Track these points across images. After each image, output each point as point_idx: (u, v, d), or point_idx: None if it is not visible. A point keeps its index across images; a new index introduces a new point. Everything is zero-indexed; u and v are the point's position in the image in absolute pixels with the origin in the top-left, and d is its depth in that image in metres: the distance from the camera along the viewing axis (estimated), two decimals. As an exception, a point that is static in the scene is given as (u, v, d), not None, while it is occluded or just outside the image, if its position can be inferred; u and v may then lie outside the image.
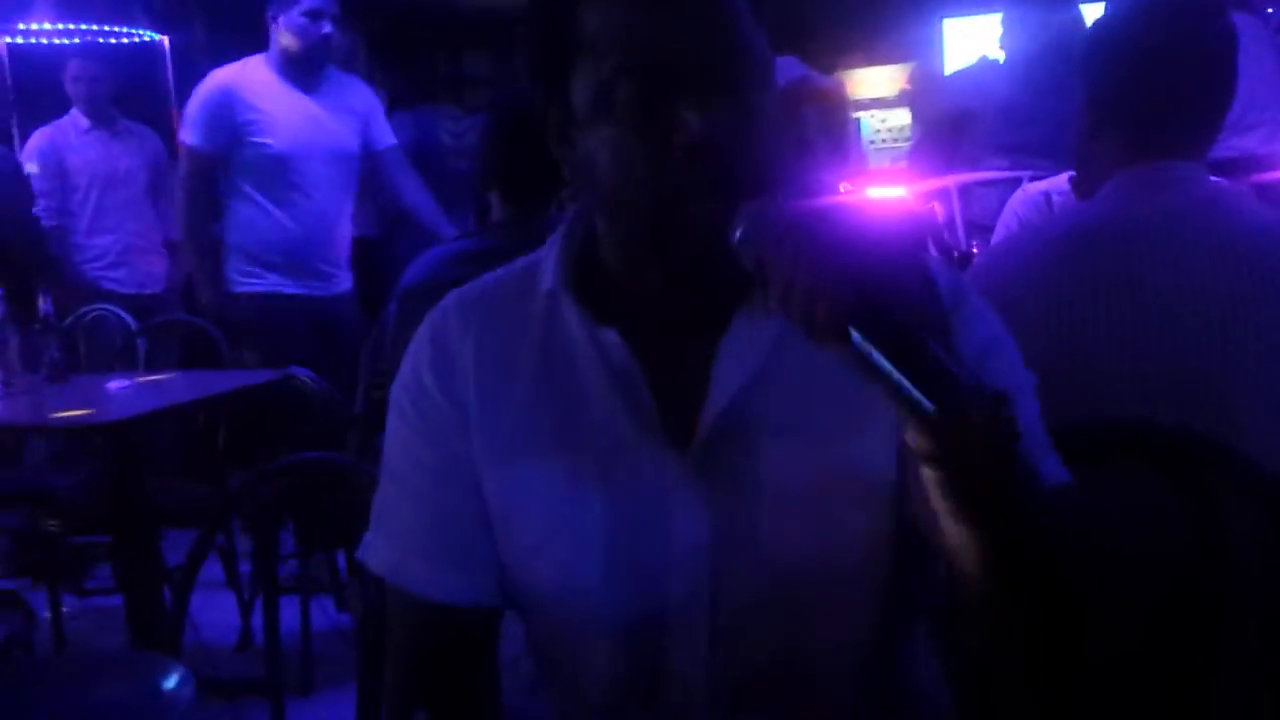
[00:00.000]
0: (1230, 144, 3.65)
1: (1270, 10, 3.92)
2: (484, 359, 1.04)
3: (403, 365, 1.09)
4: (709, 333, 0.99)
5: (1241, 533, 1.35)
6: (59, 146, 4.70)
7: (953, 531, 0.84)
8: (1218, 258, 1.45)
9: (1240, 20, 3.76)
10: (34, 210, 4.39)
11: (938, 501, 0.83)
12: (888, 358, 0.76)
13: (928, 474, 0.81)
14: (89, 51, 4.92)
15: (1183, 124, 1.56)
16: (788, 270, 0.79)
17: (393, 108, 4.40)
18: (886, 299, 0.77)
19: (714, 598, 0.99)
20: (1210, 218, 1.50)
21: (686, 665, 1.00)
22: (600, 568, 1.00)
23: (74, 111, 4.72)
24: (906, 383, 0.76)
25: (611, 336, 0.99)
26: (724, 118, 0.90)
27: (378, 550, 1.08)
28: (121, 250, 4.76)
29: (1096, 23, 1.66)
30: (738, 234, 0.85)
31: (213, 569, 3.43)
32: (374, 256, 4.45)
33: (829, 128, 2.78)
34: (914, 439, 0.79)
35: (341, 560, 3.17)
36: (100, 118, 4.78)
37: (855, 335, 0.77)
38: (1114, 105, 1.57)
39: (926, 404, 0.75)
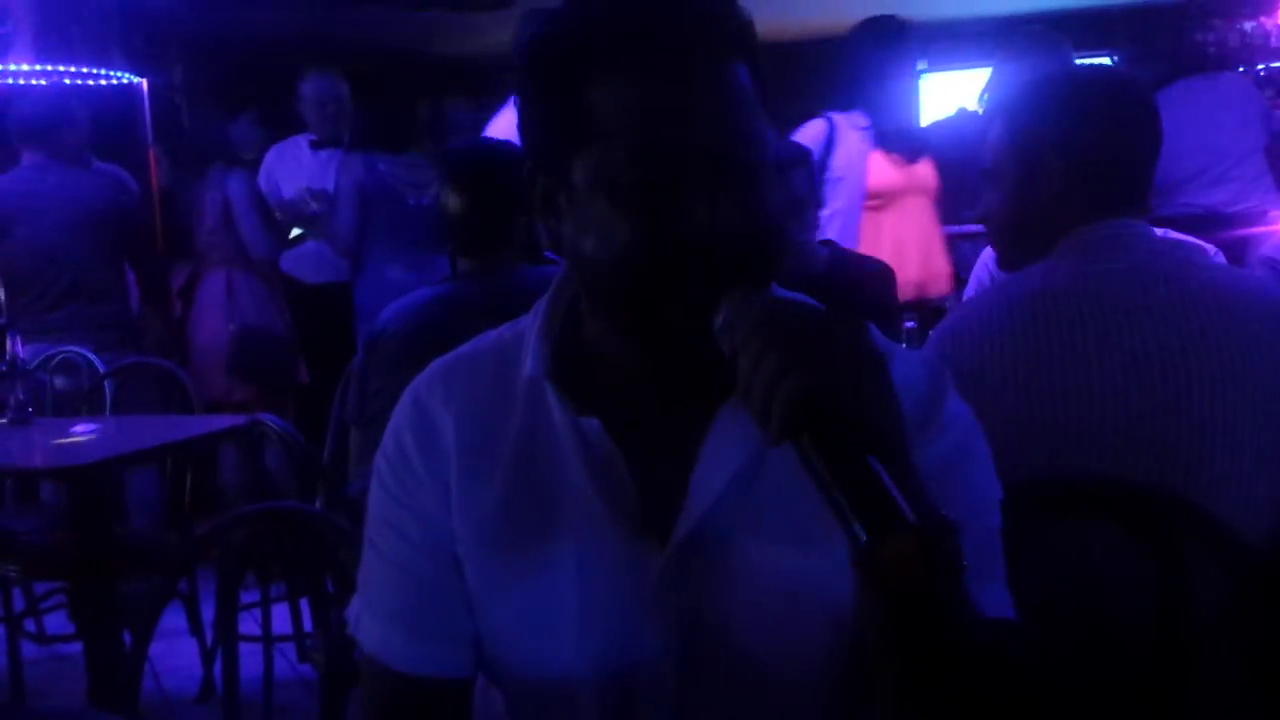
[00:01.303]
0: (1197, 199, 3.69)
1: (1260, 68, 3.96)
2: (464, 438, 1.03)
3: (386, 433, 1.08)
4: (694, 424, 0.97)
5: (1207, 591, 1.34)
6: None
7: (875, 647, 0.85)
8: (1181, 313, 1.46)
9: (1197, 81, 3.83)
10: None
11: (863, 616, 0.83)
12: (831, 474, 0.75)
13: (860, 590, 0.81)
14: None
15: (1127, 182, 1.58)
16: (751, 365, 0.79)
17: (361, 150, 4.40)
18: (840, 414, 0.76)
19: (682, 686, 0.98)
20: (1169, 272, 1.51)
21: None
22: (572, 653, 0.99)
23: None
24: (844, 503, 0.74)
25: (594, 425, 0.98)
26: (733, 207, 0.90)
27: (361, 619, 1.07)
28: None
29: (1027, 94, 1.66)
30: (719, 321, 0.85)
31: (177, 617, 3.38)
32: (339, 302, 4.46)
33: (815, 185, 2.85)
34: (850, 556, 0.78)
35: (305, 609, 3.12)
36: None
37: (805, 443, 0.76)
38: (1063, 168, 1.57)
39: (859, 529, 0.74)
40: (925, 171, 3.69)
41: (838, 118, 3.56)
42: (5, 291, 4.12)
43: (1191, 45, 3.77)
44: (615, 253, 0.92)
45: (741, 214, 0.90)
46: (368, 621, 1.06)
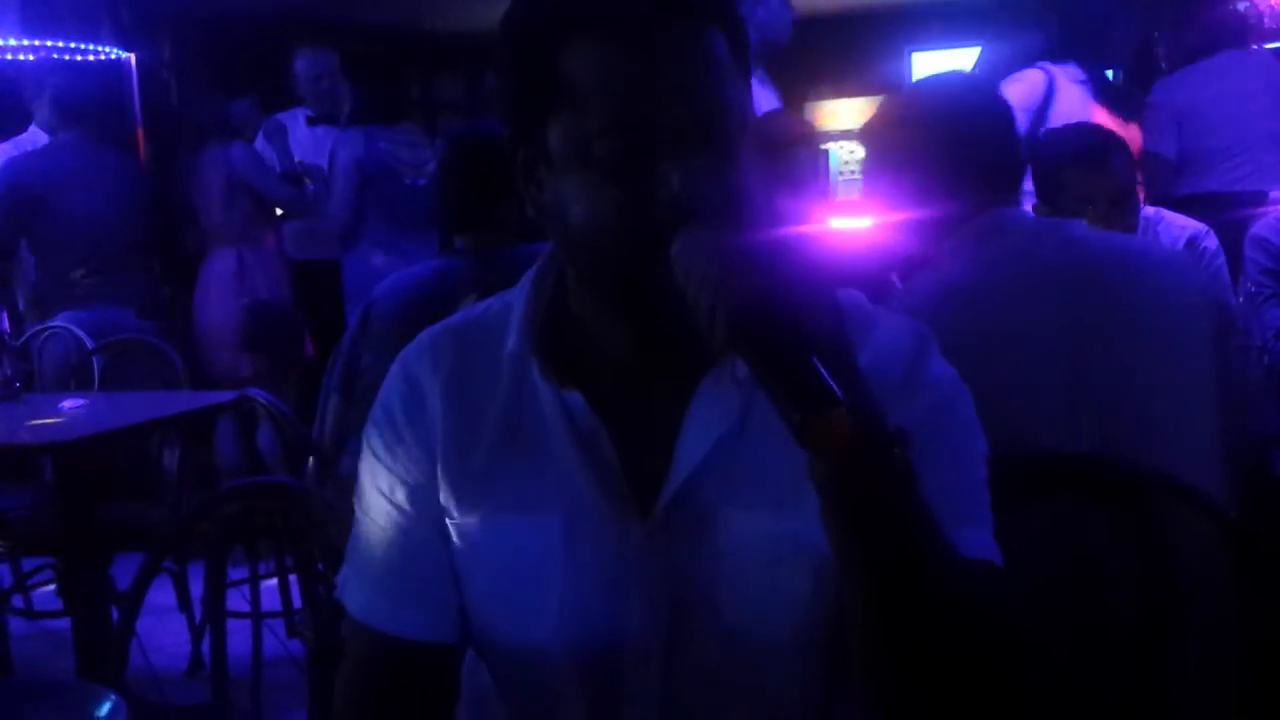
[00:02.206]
0: (1202, 178, 3.68)
1: (1254, 48, 3.92)
2: (451, 407, 1.04)
3: (377, 401, 1.09)
4: (677, 395, 0.98)
5: (1187, 563, 1.35)
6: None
7: (842, 573, 0.86)
8: (1073, 280, 1.56)
9: (1233, 55, 3.79)
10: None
11: (829, 535, 0.84)
12: (772, 368, 0.79)
13: (821, 504, 0.83)
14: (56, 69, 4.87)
15: (987, 173, 1.67)
16: (696, 288, 0.81)
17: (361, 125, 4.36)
18: (779, 325, 0.78)
19: (667, 656, 0.98)
20: (1054, 247, 1.62)
21: (640, 718, 0.99)
22: (556, 624, 0.99)
23: (33, 128, 4.67)
24: (782, 392, 0.78)
25: (577, 399, 0.98)
26: (707, 174, 0.90)
27: (348, 583, 1.08)
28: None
29: (898, 112, 1.76)
30: (674, 249, 0.86)
31: (166, 593, 3.38)
32: (327, 279, 4.44)
33: (815, 164, 2.83)
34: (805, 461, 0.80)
35: (294, 585, 3.13)
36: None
37: (746, 347, 0.79)
38: (938, 170, 1.66)
39: (793, 410, 0.77)
40: (1134, 134, 3.53)
41: (1054, 69, 3.45)
42: (48, 261, 4.22)
43: (1194, 24, 3.75)
44: (592, 222, 0.92)
45: (716, 182, 0.90)
46: (354, 585, 1.07)
